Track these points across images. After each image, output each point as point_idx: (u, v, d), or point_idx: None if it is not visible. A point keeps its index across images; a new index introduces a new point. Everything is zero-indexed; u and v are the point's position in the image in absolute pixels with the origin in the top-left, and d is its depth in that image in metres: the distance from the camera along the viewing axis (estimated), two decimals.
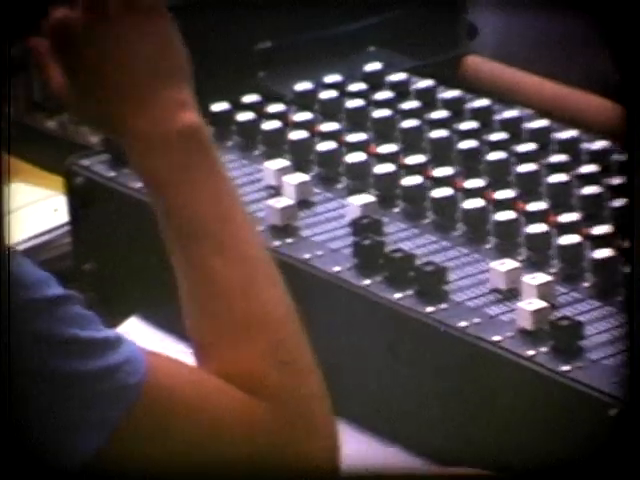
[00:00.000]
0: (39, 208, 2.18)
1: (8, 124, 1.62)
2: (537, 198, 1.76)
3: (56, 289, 1.42)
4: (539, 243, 1.69)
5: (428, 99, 2.01)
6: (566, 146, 1.89)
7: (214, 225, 1.53)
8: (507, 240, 1.71)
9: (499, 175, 1.82)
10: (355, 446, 1.60)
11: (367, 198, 1.76)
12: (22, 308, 1.40)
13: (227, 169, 1.81)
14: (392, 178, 1.79)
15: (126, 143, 1.56)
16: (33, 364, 1.40)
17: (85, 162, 1.93)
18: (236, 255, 1.53)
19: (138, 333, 1.63)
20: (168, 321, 1.76)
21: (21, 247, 1.83)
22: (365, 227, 1.71)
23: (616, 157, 1.83)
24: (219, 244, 1.53)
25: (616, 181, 1.80)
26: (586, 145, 1.89)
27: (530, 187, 1.78)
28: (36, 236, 2.05)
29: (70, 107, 1.64)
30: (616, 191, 1.79)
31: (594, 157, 1.86)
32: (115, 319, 1.56)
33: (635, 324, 1.36)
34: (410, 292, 1.62)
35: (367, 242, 1.68)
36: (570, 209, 1.75)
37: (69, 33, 1.57)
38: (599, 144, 1.89)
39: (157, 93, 1.55)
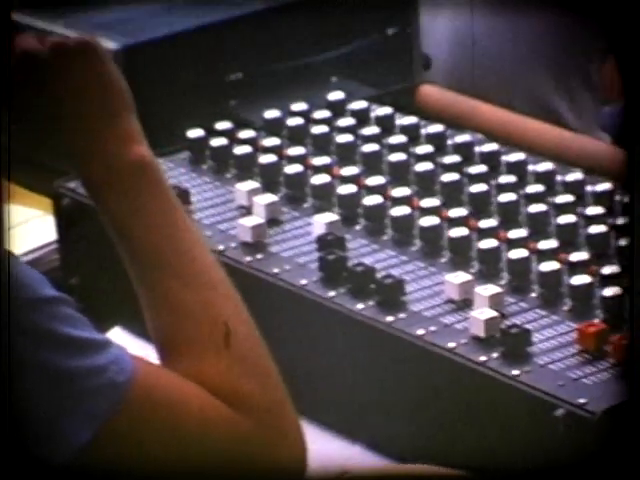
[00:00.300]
0: (30, 227, 2.18)
1: (8, 137, 1.63)
2: (488, 216, 1.77)
3: (51, 290, 1.43)
4: (490, 257, 1.71)
5: (387, 125, 2.02)
6: (514, 168, 1.89)
7: (170, 252, 1.55)
8: (460, 255, 1.73)
9: (452, 194, 1.83)
10: (320, 446, 1.58)
11: (331, 217, 1.77)
12: (20, 305, 1.41)
13: (201, 192, 1.89)
14: (354, 198, 1.80)
15: (82, 177, 1.57)
16: (27, 358, 1.41)
17: (71, 185, 1.94)
18: (193, 278, 1.55)
19: (121, 342, 1.55)
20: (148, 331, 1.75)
21: None
22: (329, 243, 1.73)
23: (561, 178, 1.84)
24: (176, 270, 1.54)
25: (560, 200, 1.81)
26: (532, 167, 1.89)
27: (480, 206, 1.80)
28: (28, 252, 2.04)
29: (19, 150, 1.61)
30: (560, 209, 1.80)
31: (540, 177, 1.87)
32: (100, 329, 1.55)
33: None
34: (371, 303, 1.64)
35: (331, 257, 1.69)
36: (519, 226, 1.76)
37: (22, 68, 1.56)
38: (545, 166, 1.89)
39: (104, 129, 1.55)
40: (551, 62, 2.65)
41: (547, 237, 1.73)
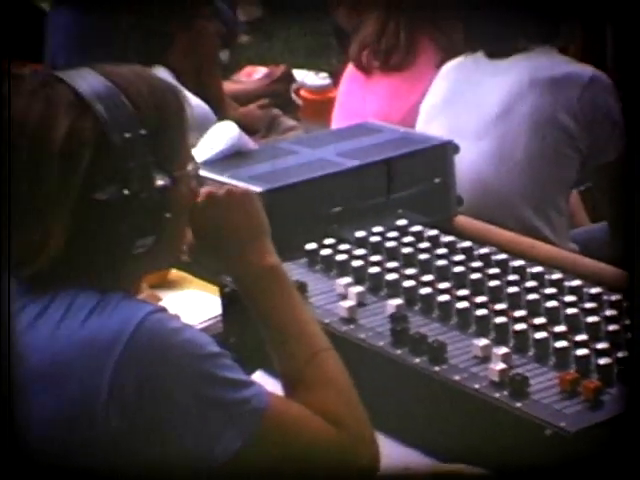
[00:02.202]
0: (203, 304, 2.15)
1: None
2: (500, 302, 1.75)
3: (216, 347, 1.47)
4: (501, 329, 1.69)
5: (434, 242, 2.01)
6: (517, 270, 1.86)
7: (292, 327, 1.58)
8: (482, 327, 1.72)
9: (477, 287, 1.82)
10: (387, 450, 1.59)
11: (399, 301, 1.78)
12: (196, 358, 1.45)
13: (314, 284, 1.92)
14: (414, 289, 1.80)
15: (233, 278, 1.64)
16: (199, 393, 1.44)
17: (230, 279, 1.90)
18: (307, 342, 1.57)
19: (262, 381, 1.59)
20: None
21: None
22: (398, 319, 1.74)
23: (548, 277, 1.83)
24: (296, 338, 1.57)
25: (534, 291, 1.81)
26: (530, 269, 1.87)
27: (496, 295, 1.78)
28: (203, 322, 2.05)
29: (194, 258, 1.67)
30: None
31: (533, 276, 1.85)
32: (247, 372, 1.54)
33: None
34: (425, 358, 1.66)
35: (399, 328, 1.72)
36: (521, 309, 1.73)
37: (204, 204, 1.60)
38: (537, 269, 1.86)
39: (249, 247, 1.60)
40: (533, 198, 2.52)
41: (539, 316, 1.71)
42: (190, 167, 1.58)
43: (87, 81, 1.49)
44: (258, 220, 1.62)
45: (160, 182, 1.50)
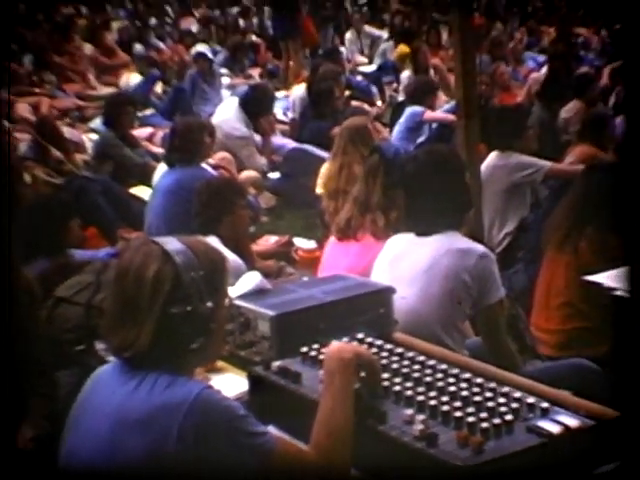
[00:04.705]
0: (234, 384, 2.09)
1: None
2: (440, 394, 1.66)
3: (243, 410, 1.51)
4: (422, 405, 1.63)
5: (380, 347, 1.90)
6: (454, 375, 1.76)
7: (337, 417, 1.59)
8: (410, 403, 1.65)
9: (406, 378, 1.76)
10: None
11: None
12: (232, 419, 1.49)
13: (306, 374, 1.79)
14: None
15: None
16: (235, 441, 1.47)
17: (257, 368, 1.90)
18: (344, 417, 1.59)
19: (272, 431, 1.59)
20: (288, 428, 1.71)
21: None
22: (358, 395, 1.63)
23: None
24: (337, 421, 1.58)
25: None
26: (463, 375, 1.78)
27: (436, 388, 1.70)
28: (235, 395, 1.95)
29: None
30: None
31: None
32: (263, 424, 1.55)
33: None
34: (372, 420, 1.59)
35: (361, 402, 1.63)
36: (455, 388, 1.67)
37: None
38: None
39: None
40: (443, 323, 2.45)
41: (444, 396, 1.65)
42: (227, 298, 1.63)
43: (171, 243, 1.56)
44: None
45: (209, 304, 1.55)
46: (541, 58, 7.79)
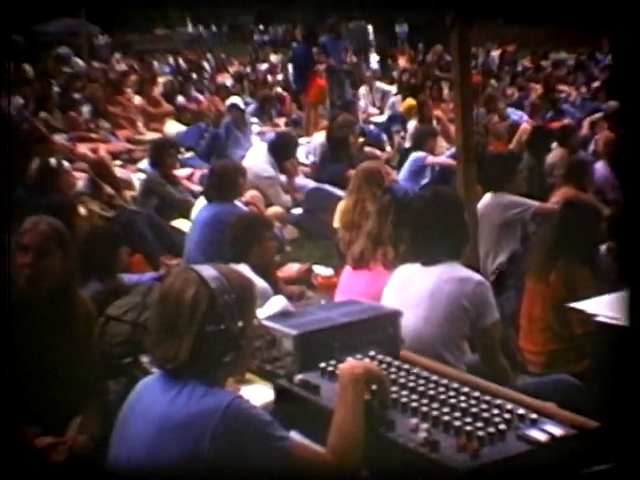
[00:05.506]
0: (261, 394, 2.05)
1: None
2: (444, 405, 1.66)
3: (269, 417, 1.50)
4: (426, 415, 1.62)
5: (389, 364, 1.89)
6: (453, 389, 1.76)
7: (350, 424, 1.58)
8: (415, 413, 1.64)
9: (412, 391, 1.74)
10: None
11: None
12: (262, 425, 1.48)
13: (324, 386, 1.78)
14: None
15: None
16: (266, 443, 1.47)
17: (280, 381, 1.87)
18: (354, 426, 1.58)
19: (293, 435, 1.59)
20: (308, 433, 1.69)
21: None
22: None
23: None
24: (349, 428, 1.57)
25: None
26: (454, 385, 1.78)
27: (440, 400, 1.69)
28: (263, 403, 1.93)
29: None
30: None
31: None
32: (285, 429, 1.55)
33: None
34: (383, 428, 1.57)
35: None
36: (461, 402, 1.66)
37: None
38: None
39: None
40: (445, 342, 2.43)
41: (446, 407, 1.65)
42: (255, 318, 1.63)
43: (207, 270, 1.57)
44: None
45: (240, 323, 1.55)
46: (520, 113, 7.97)
